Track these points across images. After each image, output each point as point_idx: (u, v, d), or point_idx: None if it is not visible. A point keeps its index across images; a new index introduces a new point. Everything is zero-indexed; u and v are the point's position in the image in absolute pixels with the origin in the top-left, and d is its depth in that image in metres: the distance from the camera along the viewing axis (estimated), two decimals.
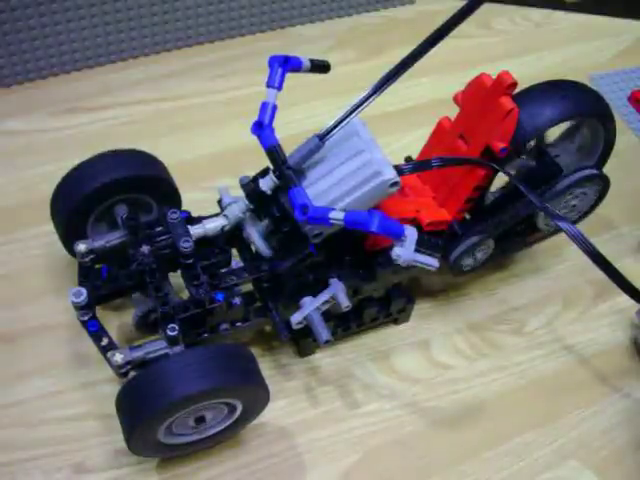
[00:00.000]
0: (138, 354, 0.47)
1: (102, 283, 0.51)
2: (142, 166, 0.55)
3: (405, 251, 0.42)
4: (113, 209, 0.55)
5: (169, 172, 0.57)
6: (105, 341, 0.48)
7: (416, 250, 0.42)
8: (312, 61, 0.49)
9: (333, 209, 0.43)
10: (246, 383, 0.46)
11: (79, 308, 0.49)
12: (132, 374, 0.47)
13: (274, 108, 0.47)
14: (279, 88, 0.47)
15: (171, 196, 0.56)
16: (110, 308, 0.58)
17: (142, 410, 0.44)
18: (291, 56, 0.47)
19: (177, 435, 0.49)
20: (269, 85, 0.47)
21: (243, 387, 0.46)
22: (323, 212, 0.43)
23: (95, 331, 0.49)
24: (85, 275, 0.51)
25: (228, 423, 0.50)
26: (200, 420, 0.48)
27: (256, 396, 0.48)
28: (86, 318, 0.49)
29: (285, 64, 0.47)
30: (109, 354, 0.47)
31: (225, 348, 0.47)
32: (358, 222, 0.42)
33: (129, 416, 0.45)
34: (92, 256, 0.51)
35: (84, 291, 0.48)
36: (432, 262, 0.43)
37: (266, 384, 0.48)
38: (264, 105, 0.47)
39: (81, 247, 0.51)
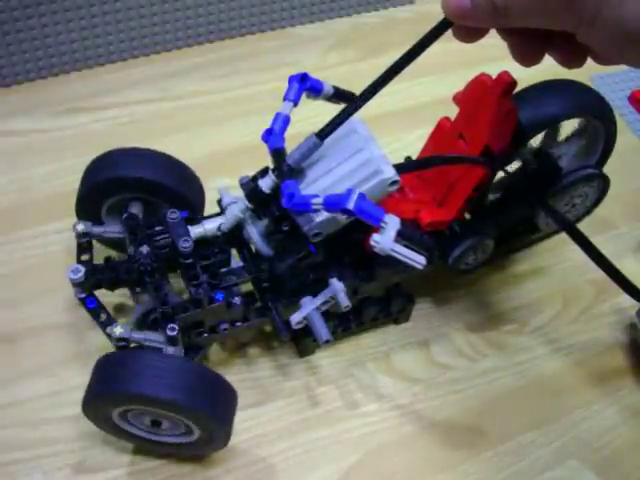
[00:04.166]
0: (138, 337, 0.48)
1: (101, 268, 0.51)
2: (182, 181, 0.55)
3: (384, 238, 0.40)
4: (128, 203, 0.55)
5: (204, 192, 0.57)
6: (104, 317, 0.49)
7: (399, 242, 0.40)
8: (336, 88, 0.49)
9: (317, 196, 0.43)
10: (207, 415, 0.45)
11: (77, 285, 0.49)
12: None
13: (286, 119, 0.46)
14: (295, 102, 0.46)
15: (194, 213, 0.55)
16: (110, 308, 0.58)
17: (100, 386, 0.45)
18: (311, 77, 0.47)
19: (131, 425, 0.49)
20: (285, 98, 0.46)
21: (203, 417, 0.45)
22: (306, 199, 0.43)
23: (93, 308, 0.49)
24: (84, 256, 0.52)
25: (183, 441, 0.49)
26: (156, 423, 0.48)
27: (215, 433, 0.47)
28: (84, 295, 0.49)
29: (302, 82, 0.46)
30: (108, 328, 0.48)
31: (209, 374, 0.46)
32: (335, 202, 0.41)
33: (92, 384, 0.46)
34: (88, 238, 0.52)
35: (82, 268, 0.49)
36: (417, 258, 0.41)
37: (230, 427, 0.47)
38: (278, 115, 0.46)
39: (79, 227, 0.52)
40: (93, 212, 0.55)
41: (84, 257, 0.52)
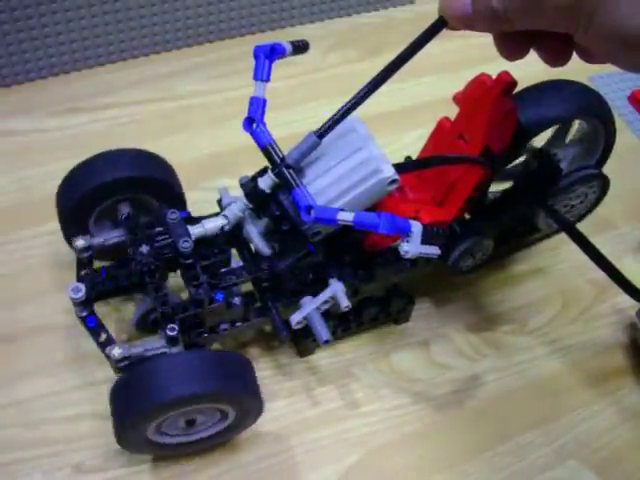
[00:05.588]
0: (137, 350, 0.48)
1: (101, 280, 0.51)
2: (146, 167, 0.54)
3: (412, 246, 0.42)
4: (116, 207, 0.54)
5: (176, 174, 0.57)
6: (103, 337, 0.48)
7: (421, 242, 0.42)
8: (293, 44, 0.48)
9: (340, 210, 0.43)
10: (241, 392, 0.45)
11: (77, 304, 0.49)
12: None
13: (264, 103, 0.46)
14: (267, 79, 0.46)
15: (176, 199, 0.56)
16: (110, 306, 0.58)
17: (132, 407, 0.44)
18: (275, 44, 0.46)
19: (167, 435, 0.49)
20: (257, 78, 0.45)
21: (237, 395, 0.45)
22: (330, 213, 0.42)
23: (93, 327, 0.49)
24: (84, 271, 0.51)
25: (219, 429, 0.49)
26: (191, 422, 0.48)
27: (249, 406, 0.47)
28: (84, 314, 0.49)
29: (271, 54, 0.46)
30: (107, 349, 0.47)
31: (224, 354, 0.47)
32: (367, 224, 0.42)
33: (120, 411, 0.45)
34: (90, 252, 0.52)
35: (82, 287, 0.48)
36: (435, 251, 0.44)
37: (261, 395, 0.48)
38: (254, 100, 0.46)
39: (79, 243, 0.51)
40: (80, 227, 0.54)
41: (83, 272, 0.51)
